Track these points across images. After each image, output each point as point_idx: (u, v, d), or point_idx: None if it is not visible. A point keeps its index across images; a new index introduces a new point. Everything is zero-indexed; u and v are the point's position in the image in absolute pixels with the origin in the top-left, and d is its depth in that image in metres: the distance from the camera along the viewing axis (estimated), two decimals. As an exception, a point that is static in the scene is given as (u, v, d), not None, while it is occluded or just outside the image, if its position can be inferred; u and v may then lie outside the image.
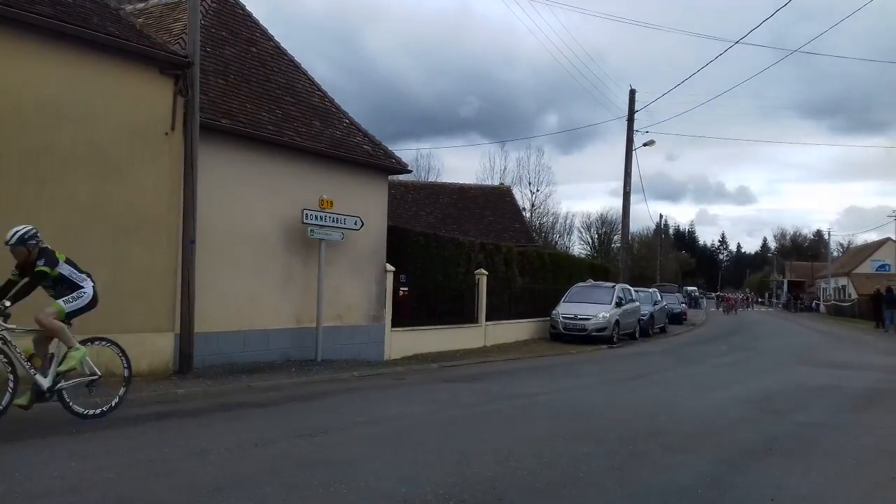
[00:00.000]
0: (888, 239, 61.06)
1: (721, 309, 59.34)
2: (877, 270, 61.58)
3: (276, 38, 15.17)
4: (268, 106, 13.29)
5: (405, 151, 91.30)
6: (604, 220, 66.84)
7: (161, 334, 10.89)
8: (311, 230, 13.14)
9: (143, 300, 10.66)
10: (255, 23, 14.79)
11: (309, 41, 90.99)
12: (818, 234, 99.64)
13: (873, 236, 74.97)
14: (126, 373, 7.89)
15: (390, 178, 18.18)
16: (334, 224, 13.62)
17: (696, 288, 77.78)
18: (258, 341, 12.47)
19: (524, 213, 47.17)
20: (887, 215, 65.35)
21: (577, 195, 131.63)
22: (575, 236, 66.44)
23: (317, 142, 13.77)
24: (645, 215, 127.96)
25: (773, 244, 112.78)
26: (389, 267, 15.45)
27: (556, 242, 59.47)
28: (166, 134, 10.94)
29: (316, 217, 13.20)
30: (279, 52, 14.93)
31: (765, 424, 8.16)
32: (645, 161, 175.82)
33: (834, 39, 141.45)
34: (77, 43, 9.76)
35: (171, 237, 10.99)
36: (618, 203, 27.10)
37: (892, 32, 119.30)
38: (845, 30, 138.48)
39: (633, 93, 29.42)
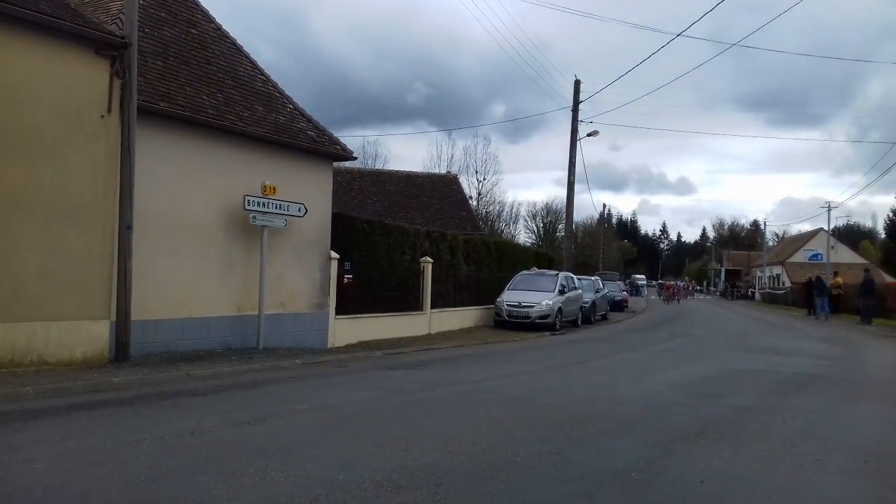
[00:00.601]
0: (821, 229, 63.19)
1: (662, 298, 56.72)
2: (809, 260, 63.76)
3: (217, 19, 14.87)
4: (208, 89, 13.03)
5: (352, 138, 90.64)
6: (549, 209, 67.72)
7: (96, 322, 10.63)
8: (254, 217, 12.96)
9: (78, 287, 10.39)
10: (196, 4, 14.47)
11: (253, 23, 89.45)
12: (755, 224, 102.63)
13: (807, 227, 77.74)
14: None
15: (336, 164, 18.06)
16: (277, 211, 13.45)
17: (643, 276, 79.09)
18: (198, 329, 12.27)
19: (471, 202, 47.33)
20: (820, 206, 67.76)
21: (523, 184, 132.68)
22: (521, 225, 67.14)
23: (259, 127, 13.56)
24: (589, 205, 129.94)
25: (711, 234, 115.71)
26: (334, 254, 15.35)
27: (503, 231, 59.92)
28: (102, 117, 10.63)
29: (258, 203, 13.02)
30: (221, 35, 14.64)
31: (698, 408, 8.39)
32: (589, 151, 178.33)
33: (773, 33, 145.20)
34: (7, 21, 9.41)
35: (108, 223, 10.72)
36: (563, 192, 27.64)
37: (829, 27, 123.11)
38: (784, 24, 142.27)
39: (577, 83, 29.73)
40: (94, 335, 10.57)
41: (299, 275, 14.52)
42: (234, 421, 6.81)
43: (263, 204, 13.11)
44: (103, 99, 10.64)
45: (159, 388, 8.81)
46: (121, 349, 10.66)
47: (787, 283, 60.77)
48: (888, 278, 48.95)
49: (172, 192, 11.83)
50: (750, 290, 72.89)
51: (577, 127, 29.59)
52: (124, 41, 10.71)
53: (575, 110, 29.57)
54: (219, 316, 12.69)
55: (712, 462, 5.76)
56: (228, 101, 13.35)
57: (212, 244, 12.58)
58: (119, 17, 11.46)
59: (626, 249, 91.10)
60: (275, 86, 15.19)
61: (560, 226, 60.84)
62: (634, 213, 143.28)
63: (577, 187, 29.86)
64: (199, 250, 12.30)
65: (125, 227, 10.71)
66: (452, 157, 59.15)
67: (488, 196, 59.04)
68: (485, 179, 58.28)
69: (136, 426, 6.44)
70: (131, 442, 5.79)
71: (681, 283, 71.40)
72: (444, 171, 48.35)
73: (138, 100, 10.90)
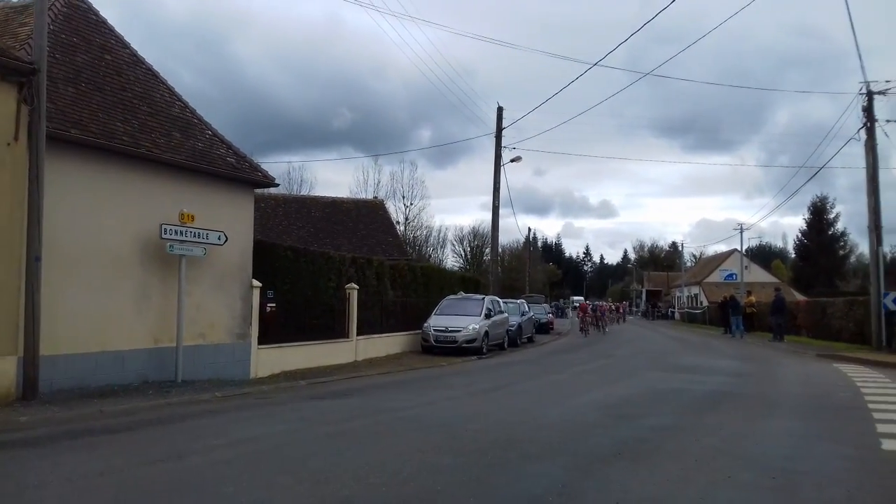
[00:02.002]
0: (735, 250, 65.68)
1: (579, 325, 39.37)
2: (725, 279, 66.00)
3: (133, 45, 14.56)
4: (123, 116, 12.71)
5: (276, 165, 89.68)
6: (476, 234, 68.20)
7: (2, 358, 10.15)
8: (171, 245, 12.64)
9: (-19, 321, 9.91)
10: (111, 30, 14.13)
11: (172, 48, 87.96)
12: (673, 245, 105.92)
13: (722, 247, 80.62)
14: None
15: (260, 191, 17.82)
16: (195, 239, 13.17)
17: (573, 299, 79.71)
18: (112, 363, 11.84)
19: (398, 227, 47.42)
20: (734, 228, 70.22)
21: (450, 209, 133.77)
22: (448, 249, 67.40)
23: (176, 154, 13.28)
24: (515, 228, 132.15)
25: (632, 255, 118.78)
26: (256, 283, 15.09)
27: (430, 255, 60.10)
28: (9, 144, 10.25)
29: (175, 232, 12.72)
30: (136, 61, 14.33)
31: (616, 429, 8.57)
32: (514, 176, 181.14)
33: (685, 62, 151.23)
34: None
35: (14, 254, 10.29)
36: (489, 216, 27.84)
37: (737, 56, 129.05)
38: (695, 54, 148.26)
39: (500, 110, 30.28)
40: (1, 371, 10.09)
41: (220, 304, 14.21)
42: (147, 459, 6.59)
43: (181, 232, 12.82)
44: (10, 126, 10.27)
45: (70, 426, 8.45)
46: (29, 386, 10.18)
47: (705, 303, 62.86)
48: (799, 296, 51.15)
49: (85, 222, 11.46)
50: (670, 309, 74.99)
51: (500, 153, 30.08)
52: (32, 67, 10.37)
53: (498, 136, 30.05)
54: (134, 349, 12.28)
55: (628, 483, 5.89)
56: (144, 127, 13.04)
57: (127, 274, 12.20)
58: (28, 43, 11.12)
59: (551, 272, 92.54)
60: (193, 112, 14.93)
61: (487, 250, 61.35)
62: (559, 236, 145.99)
63: (502, 211, 30.26)
64: (113, 281, 11.91)
65: (33, 259, 10.29)
66: (379, 182, 59.16)
67: (416, 221, 59.25)
68: (412, 205, 58.48)
69: (42, 468, 6.16)
70: (35, 485, 5.54)
71: (605, 304, 54.50)
72: (370, 197, 48.28)
73: (48, 127, 10.56)
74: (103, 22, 14.10)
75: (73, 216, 11.21)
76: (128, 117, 12.82)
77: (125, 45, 14.31)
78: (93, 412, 9.37)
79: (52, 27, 11.85)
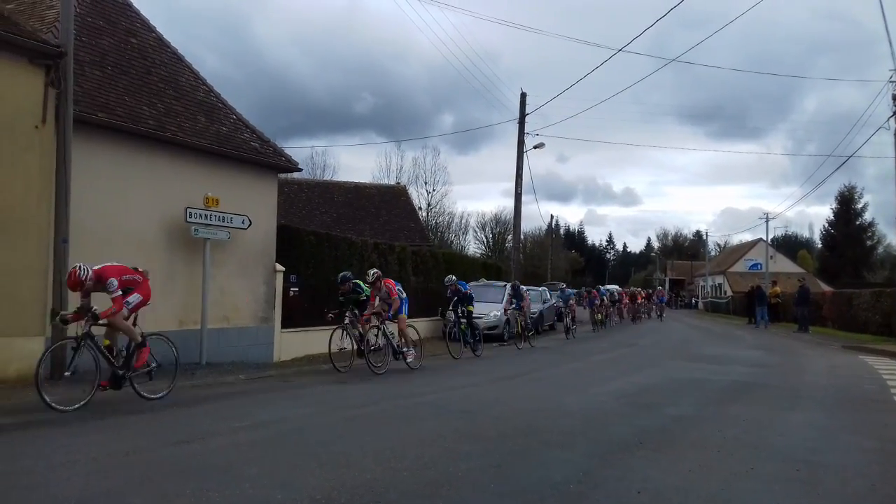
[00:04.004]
0: (760, 240, 65.02)
1: (589, 314, 30.80)
2: (750, 269, 65.48)
3: (158, 28, 14.65)
4: (149, 99, 12.81)
5: (300, 150, 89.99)
6: (498, 220, 68.08)
7: (31, 338, 10.34)
8: (196, 229, 12.76)
9: (11, 302, 10.10)
10: (136, 13, 14.24)
11: (195, 31, 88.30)
12: (697, 234, 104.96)
13: (747, 237, 79.86)
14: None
15: (283, 176, 17.93)
16: (220, 223, 13.28)
17: (617, 287, 78.56)
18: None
19: (420, 213, 47.47)
20: (759, 217, 69.60)
21: (472, 195, 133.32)
22: (470, 236, 67.40)
23: (201, 138, 13.38)
24: (537, 215, 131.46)
25: (656, 244, 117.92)
26: (279, 267, 15.20)
27: (452, 242, 60.16)
28: (36, 127, 10.39)
29: (200, 216, 12.84)
30: (161, 44, 14.42)
31: (638, 418, 8.53)
32: (537, 162, 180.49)
33: (711, 48, 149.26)
34: (-66, 28, 9.13)
35: (43, 236, 10.45)
36: (511, 203, 27.70)
37: (764, 41, 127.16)
38: (721, 39, 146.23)
39: (524, 96, 30.08)
40: (29, 352, 10.26)
41: (244, 288, 14.33)
42: (171, 440, 6.68)
43: (206, 216, 12.93)
44: (38, 109, 10.40)
45: (96, 405, 8.56)
46: (56, 366, 10.34)
47: (729, 292, 62.35)
48: (825, 287, 50.56)
49: (111, 205, 11.59)
50: (693, 299, 74.48)
51: (523, 139, 29.91)
52: (59, 50, 10.48)
53: (521, 123, 29.88)
54: (160, 331, 12.40)
55: (649, 473, 5.86)
56: (170, 111, 13.14)
57: (152, 257, 12.31)
58: (54, 26, 11.21)
59: (573, 260, 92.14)
60: (218, 96, 15.01)
61: (509, 236, 61.22)
62: (581, 224, 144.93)
63: (524, 198, 30.11)
64: (138, 263, 11.99)
65: (60, 241, 10.44)
66: (402, 167, 59.31)
67: (438, 207, 59.29)
68: (434, 190, 58.52)
69: (69, 447, 6.26)
70: (63, 463, 5.62)
71: (638, 291, 45.81)
72: (393, 182, 48.35)
73: (75, 110, 10.67)
74: (128, 5, 14.20)
75: (99, 199, 11.34)
76: (153, 101, 12.92)
77: (150, 29, 14.40)
78: (118, 393, 9.48)
79: (78, 10, 11.95)
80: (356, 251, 18.66)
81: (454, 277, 17.60)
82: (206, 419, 8.07)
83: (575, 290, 33.08)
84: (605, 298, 31.87)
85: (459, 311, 17.17)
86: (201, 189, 13.03)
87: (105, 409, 8.32)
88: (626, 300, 39.23)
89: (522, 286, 22.16)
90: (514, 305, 20.10)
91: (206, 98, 14.64)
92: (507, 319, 21.87)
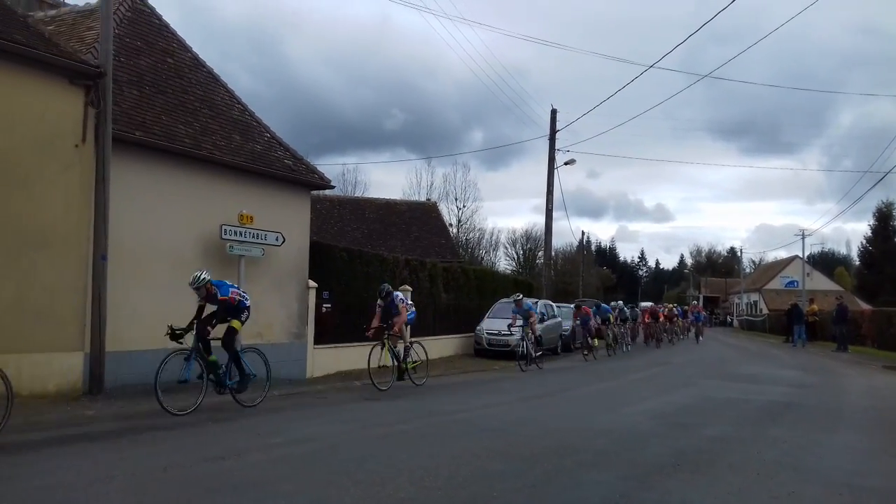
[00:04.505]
0: (796, 257, 64.00)
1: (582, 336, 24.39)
2: (786, 286, 64.43)
3: (194, 48, 14.91)
4: (185, 118, 13.02)
5: (331, 166, 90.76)
6: (528, 236, 67.76)
7: (70, 354, 10.50)
8: (231, 246, 12.90)
9: (51, 318, 10.26)
10: (173, 33, 14.49)
11: (228, 49, 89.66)
12: (731, 251, 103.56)
13: (783, 254, 78.57)
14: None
15: (315, 193, 18.04)
16: (254, 240, 13.40)
17: (651, 303, 76.85)
18: (173, 360, 12.08)
19: (450, 229, 47.44)
20: (794, 234, 68.46)
21: (502, 211, 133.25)
22: (500, 252, 67.11)
23: (236, 156, 13.54)
24: (568, 231, 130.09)
25: (689, 260, 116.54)
26: (312, 283, 15.28)
27: (482, 258, 59.99)
28: (76, 146, 10.60)
29: (235, 232, 12.97)
30: (197, 64, 14.66)
31: (674, 439, 8.39)
32: (567, 178, 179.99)
33: (743, 63, 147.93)
34: (-19, 50, 9.38)
35: (82, 253, 10.63)
36: (542, 219, 27.74)
37: (798, 56, 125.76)
38: (753, 53, 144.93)
39: (554, 112, 30.07)
40: (68, 367, 10.43)
41: (277, 304, 14.43)
42: (208, 456, 6.71)
43: (240, 233, 13.06)
44: (78, 128, 10.61)
45: (133, 421, 8.68)
46: (95, 381, 10.51)
47: (765, 310, 61.36)
48: (863, 305, 49.54)
49: (148, 222, 11.76)
50: (728, 316, 73.41)
51: (554, 155, 29.88)
52: (99, 70, 10.70)
53: (552, 139, 29.86)
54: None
55: (687, 495, 5.75)
56: (205, 129, 13.34)
57: (188, 274, 12.41)
58: (94, 47, 11.46)
59: (605, 276, 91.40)
60: (252, 114, 15.20)
61: (540, 253, 60.95)
62: (613, 240, 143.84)
63: (555, 214, 30.13)
64: (175, 280, 12.15)
65: (99, 257, 10.61)
66: (432, 184, 59.29)
67: (468, 223, 59.20)
68: (464, 207, 58.47)
69: (107, 462, 6.32)
70: (102, 479, 5.68)
71: (660, 308, 36.65)
72: (423, 199, 48.51)
73: (113, 129, 10.88)
74: (166, 26, 14.46)
75: (137, 216, 11.52)
76: (189, 119, 13.12)
77: (186, 49, 14.65)
78: (155, 408, 9.57)
79: (117, 31, 12.20)
80: (388, 267, 18.71)
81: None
82: (241, 435, 8.11)
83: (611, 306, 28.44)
84: (611, 317, 26.39)
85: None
86: (236, 206, 13.18)
87: (140, 425, 8.40)
88: (646, 318, 32.11)
89: (529, 300, 20.99)
90: (520, 323, 18.33)
91: (241, 116, 14.84)
92: (540, 336, 21.42)
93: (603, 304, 28.92)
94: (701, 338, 36.28)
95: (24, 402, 9.38)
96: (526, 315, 18.37)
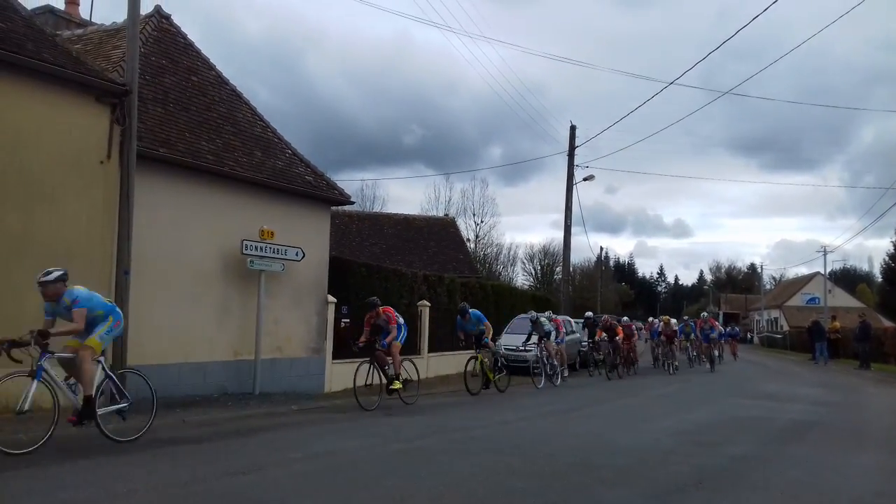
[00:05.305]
0: (817, 273, 63.36)
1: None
2: (807, 303, 63.73)
3: (217, 66, 15.11)
4: (208, 135, 13.19)
5: (350, 182, 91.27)
6: (546, 252, 67.65)
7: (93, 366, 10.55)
8: (251, 261, 13.00)
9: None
10: (197, 52, 14.71)
11: (249, 66, 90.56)
12: (752, 267, 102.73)
13: (804, 270, 77.83)
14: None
15: (334, 208, 18.16)
16: (275, 255, 13.51)
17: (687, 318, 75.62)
18: (194, 374, 12.21)
19: (468, 244, 47.50)
20: (816, 250, 67.85)
21: (521, 226, 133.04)
22: (518, 267, 67.02)
23: (258, 172, 13.69)
24: (586, 247, 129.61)
25: (708, 276, 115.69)
26: (331, 298, 15.36)
27: (500, 273, 59.94)
28: (102, 163, 10.76)
29: (256, 248, 13.08)
30: (221, 82, 14.86)
31: (696, 457, 8.32)
32: (586, 193, 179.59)
33: (763, 79, 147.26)
34: (10, 69, 9.58)
35: (105, 267, 10.75)
36: (560, 234, 27.79)
37: (818, 72, 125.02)
38: (773, 69, 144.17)
39: (573, 129, 30.10)
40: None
41: (296, 319, 14.51)
42: (229, 470, 6.75)
43: (261, 248, 13.17)
44: (103, 145, 10.77)
45: (154, 434, 8.71)
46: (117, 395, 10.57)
47: (786, 327, 60.70)
48: (886, 322, 48.87)
49: (170, 237, 11.90)
50: (748, 333, 72.66)
51: (573, 171, 29.88)
52: (125, 88, 10.88)
53: (571, 155, 29.87)
54: (215, 360, 12.65)
55: (710, 514, 5.71)
56: (228, 146, 13.49)
57: (209, 288, 12.59)
58: (120, 65, 11.66)
59: (623, 292, 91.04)
60: (274, 131, 15.37)
61: (558, 268, 60.72)
62: (631, 256, 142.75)
63: (573, 230, 29.99)
64: (196, 295, 12.31)
65: (122, 272, 10.74)
66: (450, 199, 59.41)
67: (486, 238, 59.23)
68: (482, 222, 58.53)
69: (129, 475, 6.37)
70: (124, 493, 5.72)
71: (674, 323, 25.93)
72: (441, 214, 48.59)
73: (138, 146, 11.04)
74: (190, 45, 14.68)
75: (160, 232, 11.65)
76: (212, 136, 13.29)
77: (210, 67, 14.86)
78: (175, 422, 9.67)
79: (142, 50, 12.40)
80: (406, 283, 18.77)
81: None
82: (261, 450, 8.14)
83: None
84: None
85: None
86: (257, 222, 13.31)
87: (161, 438, 8.46)
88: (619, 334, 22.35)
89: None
90: (534, 341, 18.03)
91: (263, 133, 15.01)
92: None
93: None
94: (716, 362, 26.43)
95: (47, 417, 9.49)
96: (545, 333, 18.29)
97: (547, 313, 20.34)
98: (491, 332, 15.51)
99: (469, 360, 15.20)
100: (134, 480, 6.15)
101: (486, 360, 15.33)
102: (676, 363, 24.46)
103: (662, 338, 25.44)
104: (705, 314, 27.96)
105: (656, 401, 15.37)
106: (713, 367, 25.30)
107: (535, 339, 18.17)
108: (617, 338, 22.10)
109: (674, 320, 26.83)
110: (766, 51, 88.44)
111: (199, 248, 12.43)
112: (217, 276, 12.78)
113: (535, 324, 18.27)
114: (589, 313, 24.54)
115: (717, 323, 28.16)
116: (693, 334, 26.67)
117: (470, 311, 15.19)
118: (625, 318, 26.74)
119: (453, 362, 20.42)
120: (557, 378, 18.66)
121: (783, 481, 7.19)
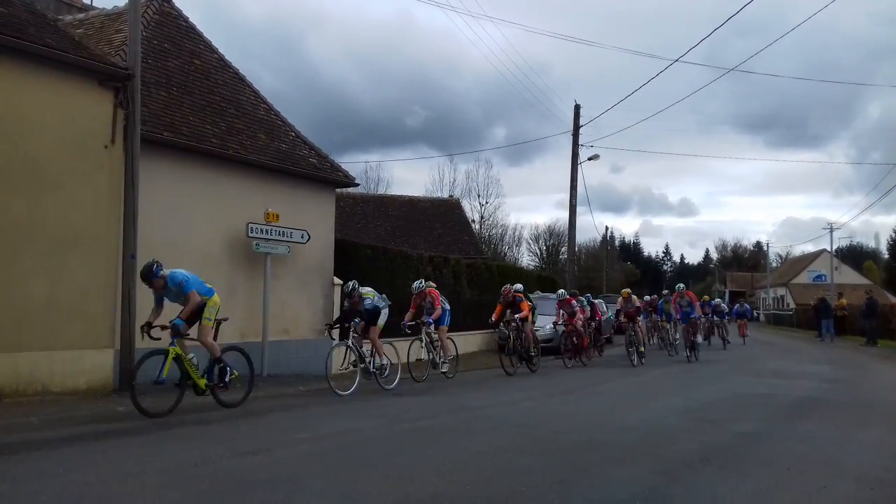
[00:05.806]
0: (824, 250, 63.18)
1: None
2: (813, 281, 63.59)
3: (220, 49, 15.06)
4: (212, 119, 13.16)
5: (354, 164, 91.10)
6: (552, 232, 67.55)
7: (100, 351, 10.66)
8: (257, 244, 13.02)
9: (82, 316, 10.43)
10: (199, 35, 14.65)
11: (251, 48, 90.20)
12: (758, 245, 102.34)
13: (810, 247, 77.56)
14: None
15: (339, 190, 18.14)
16: (280, 238, 13.52)
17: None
18: (201, 357, 12.23)
19: (473, 225, 47.42)
20: (822, 227, 67.61)
21: (525, 207, 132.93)
22: (523, 248, 66.97)
23: (262, 155, 13.67)
24: (591, 227, 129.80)
25: (714, 255, 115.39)
26: (337, 280, 15.38)
27: (505, 254, 59.91)
28: (106, 147, 10.75)
29: (261, 231, 13.09)
30: (223, 65, 14.81)
31: (702, 434, 8.34)
32: (591, 173, 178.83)
33: (768, 56, 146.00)
34: (12, 54, 9.55)
35: (111, 252, 10.78)
36: (565, 214, 27.68)
37: (824, 48, 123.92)
38: (778, 46, 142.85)
39: (577, 108, 29.92)
40: (99, 364, 10.60)
41: (302, 301, 14.55)
42: (238, 451, 6.80)
43: (266, 231, 13.18)
44: (107, 129, 10.76)
45: (163, 417, 8.79)
46: (125, 378, 10.64)
47: (792, 305, 60.64)
48: (893, 299, 48.79)
49: (176, 221, 11.91)
50: (755, 311, 72.58)
51: (577, 151, 29.74)
52: (128, 72, 10.85)
53: (575, 134, 29.73)
54: (222, 343, 12.66)
55: (717, 491, 5.73)
56: (231, 129, 13.47)
57: (215, 272, 12.58)
58: (122, 49, 11.62)
59: (629, 271, 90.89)
60: (277, 114, 15.33)
61: (563, 248, 60.61)
62: (637, 235, 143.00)
63: (578, 210, 29.90)
64: (202, 278, 12.31)
65: (129, 256, 10.77)
66: (455, 180, 59.38)
67: (491, 219, 59.16)
68: (487, 203, 58.44)
69: (139, 457, 6.43)
70: (135, 474, 5.78)
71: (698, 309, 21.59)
72: (446, 196, 48.54)
73: (142, 130, 11.02)
74: (192, 28, 14.62)
75: (165, 215, 11.66)
76: (216, 120, 13.26)
77: (213, 50, 14.81)
78: (184, 404, 9.72)
79: (144, 34, 12.35)
80: (411, 264, 18.78)
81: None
82: (270, 431, 8.20)
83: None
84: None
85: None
86: (262, 205, 13.31)
87: (171, 420, 8.52)
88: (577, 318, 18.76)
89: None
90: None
91: (267, 116, 14.97)
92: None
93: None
94: (696, 348, 20.56)
95: (56, 399, 9.60)
96: (572, 311, 18.46)
97: (559, 291, 20.29)
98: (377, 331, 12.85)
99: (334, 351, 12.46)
100: (144, 461, 6.21)
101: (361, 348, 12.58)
102: (642, 348, 19.38)
103: (623, 318, 20.55)
104: (681, 286, 21.90)
105: (663, 379, 15.36)
106: (692, 356, 19.80)
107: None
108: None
109: (641, 297, 23.70)
110: (772, 27, 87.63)
111: (204, 232, 12.45)
112: (223, 259, 12.81)
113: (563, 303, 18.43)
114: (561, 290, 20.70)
115: (694, 297, 22.18)
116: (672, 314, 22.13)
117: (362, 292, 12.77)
118: (587, 294, 23.10)
119: (459, 343, 20.39)
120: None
121: (790, 457, 7.21)
